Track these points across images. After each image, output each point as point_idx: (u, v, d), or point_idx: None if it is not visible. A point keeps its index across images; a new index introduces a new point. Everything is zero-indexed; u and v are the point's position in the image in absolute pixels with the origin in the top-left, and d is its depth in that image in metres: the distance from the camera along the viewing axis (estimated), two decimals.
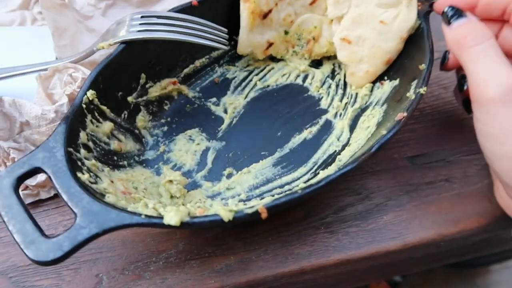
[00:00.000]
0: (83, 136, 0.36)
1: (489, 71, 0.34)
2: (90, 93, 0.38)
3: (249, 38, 0.51)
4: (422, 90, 0.42)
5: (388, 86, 0.49)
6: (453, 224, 0.46)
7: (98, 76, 0.39)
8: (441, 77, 0.59)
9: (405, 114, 0.40)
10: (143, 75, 0.45)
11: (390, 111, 0.46)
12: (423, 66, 0.45)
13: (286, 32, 0.52)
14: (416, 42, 0.48)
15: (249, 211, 0.32)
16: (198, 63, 0.51)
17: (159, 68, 0.47)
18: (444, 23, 0.40)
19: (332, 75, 0.54)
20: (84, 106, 0.37)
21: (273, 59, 0.54)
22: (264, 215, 0.32)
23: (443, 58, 0.46)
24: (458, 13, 0.39)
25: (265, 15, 0.50)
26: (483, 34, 0.36)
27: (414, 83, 0.44)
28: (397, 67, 0.50)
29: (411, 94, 0.43)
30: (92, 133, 0.38)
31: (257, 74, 0.53)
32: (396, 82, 0.48)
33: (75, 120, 0.36)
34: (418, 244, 0.45)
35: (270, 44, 0.52)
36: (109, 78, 0.40)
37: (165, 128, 0.46)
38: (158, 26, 0.43)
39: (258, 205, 0.33)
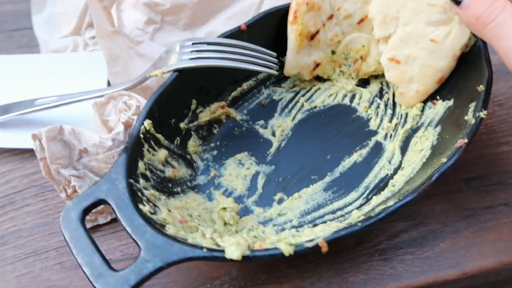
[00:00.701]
0: (141, 166, 0.37)
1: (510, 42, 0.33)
2: (147, 123, 0.39)
3: (296, 60, 0.50)
4: (483, 114, 0.41)
5: (441, 106, 0.48)
6: None
7: (154, 105, 0.40)
8: (496, 93, 0.57)
9: (466, 140, 0.39)
10: (194, 101, 0.46)
11: (446, 135, 0.44)
12: (481, 88, 0.43)
13: (333, 52, 0.52)
14: (472, 60, 0.46)
15: (310, 244, 0.32)
16: (245, 85, 0.51)
17: (209, 93, 0.47)
18: (453, 4, 0.38)
19: (380, 94, 0.53)
20: (141, 136, 0.38)
21: (319, 79, 0.54)
22: (324, 249, 0.32)
23: None
24: None
25: (312, 36, 0.50)
26: (496, 5, 0.34)
27: (472, 105, 0.43)
28: (450, 87, 0.48)
29: (469, 118, 0.42)
30: (149, 162, 0.39)
31: (303, 95, 0.53)
32: (451, 102, 0.47)
33: (133, 150, 0.37)
34: (478, 273, 0.43)
35: (317, 65, 0.52)
36: (164, 106, 0.41)
37: (215, 152, 0.47)
38: (209, 53, 0.43)
39: (318, 238, 0.32)
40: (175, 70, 0.42)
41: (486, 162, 0.50)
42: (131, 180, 0.35)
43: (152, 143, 0.40)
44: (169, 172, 0.41)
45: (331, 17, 0.50)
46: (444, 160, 0.38)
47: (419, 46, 0.47)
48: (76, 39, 0.57)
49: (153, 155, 0.40)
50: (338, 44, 0.52)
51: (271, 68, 0.46)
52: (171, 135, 0.43)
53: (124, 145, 0.38)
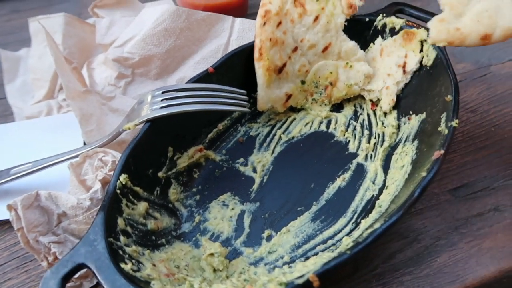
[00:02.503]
0: (120, 222, 0.36)
1: None
2: (123, 178, 0.38)
3: (268, 94, 0.51)
4: (454, 123, 0.41)
5: (415, 120, 0.48)
6: None
7: (129, 158, 0.39)
8: (466, 100, 0.58)
9: (442, 151, 0.39)
10: (170, 148, 0.46)
11: (424, 148, 0.44)
12: (449, 98, 0.44)
13: (303, 82, 0.53)
14: (436, 73, 0.48)
15: (300, 281, 0.31)
16: (221, 126, 0.51)
17: (185, 138, 0.47)
18: None
19: (355, 116, 0.53)
20: (118, 191, 0.37)
21: (293, 110, 0.54)
22: (316, 283, 0.31)
23: None
24: None
25: (280, 70, 0.51)
26: None
27: (443, 116, 0.43)
28: (422, 101, 0.49)
29: (443, 128, 0.42)
30: (129, 217, 0.38)
31: (280, 128, 0.53)
32: (424, 116, 0.47)
33: (111, 207, 0.36)
34: (479, 285, 0.42)
35: (289, 96, 0.52)
36: (139, 158, 0.41)
37: (198, 197, 0.46)
38: (179, 99, 0.43)
39: (308, 273, 0.31)
40: (147, 121, 0.43)
41: (469, 169, 0.50)
42: (111, 239, 0.34)
43: (131, 197, 0.39)
44: (151, 224, 0.40)
45: (295, 49, 0.51)
46: (424, 174, 0.38)
47: None
48: (50, 102, 0.58)
49: (132, 209, 0.39)
50: (307, 73, 0.53)
51: (242, 106, 0.46)
52: (150, 186, 0.42)
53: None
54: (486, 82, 0.60)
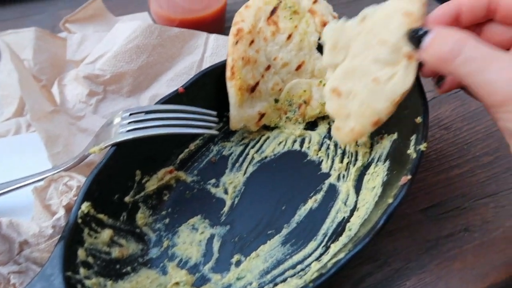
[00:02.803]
0: (81, 253, 0.35)
1: (487, 75, 0.31)
2: (85, 206, 0.37)
3: (240, 114, 0.51)
4: (423, 146, 0.41)
5: (387, 140, 0.48)
6: (481, 279, 0.43)
7: (92, 185, 0.38)
8: (440, 117, 0.58)
9: (409, 177, 0.39)
10: (138, 171, 0.45)
11: (394, 170, 0.44)
12: (419, 119, 0.44)
13: (276, 101, 0.52)
14: (409, 92, 0.47)
15: None
16: (192, 146, 0.50)
17: (154, 160, 0.47)
18: (415, 47, 0.37)
19: (329, 135, 0.53)
20: (79, 221, 0.37)
21: (267, 128, 0.54)
22: None
23: (438, 79, 0.43)
24: (422, 31, 0.36)
25: (252, 89, 0.50)
26: (458, 39, 0.33)
27: (413, 138, 0.43)
28: (394, 120, 0.48)
29: (411, 152, 0.42)
30: (91, 247, 0.37)
31: (253, 147, 0.52)
32: (395, 136, 0.47)
33: (71, 238, 0.35)
34: None
35: (262, 115, 0.52)
36: (104, 184, 0.40)
37: (167, 221, 0.45)
38: (147, 122, 0.43)
39: None
40: (113, 145, 0.42)
41: (441, 188, 0.50)
42: (69, 273, 0.33)
43: (94, 225, 0.38)
44: (116, 252, 0.39)
45: (268, 67, 0.51)
46: (390, 200, 0.38)
47: (362, 82, 0.45)
48: (19, 120, 0.56)
49: (95, 238, 0.38)
50: (280, 92, 0.52)
51: (211, 128, 0.45)
52: (116, 211, 0.42)
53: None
54: (460, 98, 0.61)
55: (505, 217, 0.47)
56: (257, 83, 0.51)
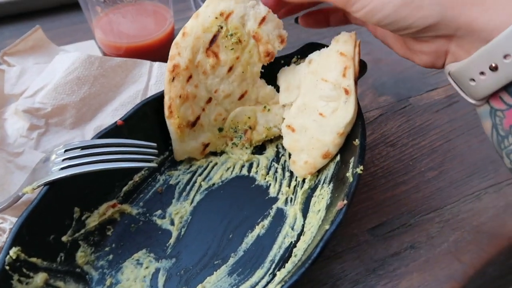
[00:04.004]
0: None
1: None
2: (14, 251, 0.36)
3: (183, 147, 0.50)
4: (359, 169, 0.41)
5: (332, 163, 0.49)
6: None
7: (21, 229, 0.37)
8: (386, 134, 0.60)
9: (345, 202, 0.39)
10: (76, 209, 0.43)
11: (336, 193, 0.44)
12: (357, 142, 0.44)
13: (220, 129, 0.52)
14: None
15: None
16: (137, 177, 0.49)
17: (94, 196, 0.45)
18: None
19: (277, 158, 0.53)
20: (7, 267, 0.35)
21: (215, 153, 0.54)
22: None
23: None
24: None
25: (193, 123, 0.50)
26: None
27: (352, 161, 0.44)
28: None
29: (350, 175, 0.42)
30: None
31: (200, 174, 0.52)
32: (338, 158, 0.48)
33: None
34: None
35: (207, 145, 0.51)
36: (36, 225, 0.38)
37: (111, 257, 0.44)
38: (83, 158, 0.41)
39: None
40: (45, 184, 0.40)
41: (387, 206, 0.51)
42: None
43: (25, 270, 0.37)
44: None
45: (209, 100, 0.50)
46: (327, 226, 0.38)
47: (311, 117, 0.47)
48: None
49: (27, 284, 0.36)
50: (224, 121, 0.52)
51: (151, 161, 0.45)
52: (52, 253, 0.40)
53: None
54: (405, 114, 0.62)
55: (449, 231, 0.48)
56: (198, 117, 0.50)
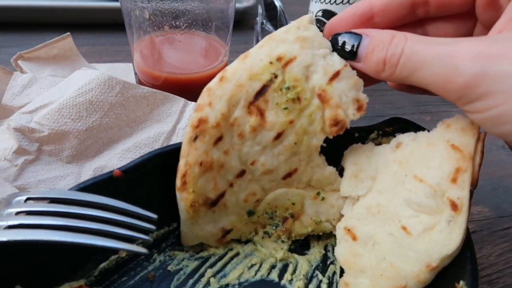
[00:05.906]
0: None
1: (437, 68, 0.26)
2: None
3: (194, 231, 0.36)
4: None
5: None
6: None
7: None
8: (482, 263, 0.42)
9: None
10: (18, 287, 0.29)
11: None
12: (461, 285, 0.28)
13: (251, 213, 0.37)
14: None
15: None
16: (124, 253, 0.35)
17: (52, 270, 0.31)
18: (347, 59, 0.32)
19: (324, 265, 0.37)
20: None
21: (239, 240, 0.39)
22: None
23: None
24: (354, 40, 0.31)
25: (213, 203, 0.35)
26: (397, 40, 0.28)
27: None
28: None
29: None
30: None
31: (212, 266, 0.37)
32: None
33: None
34: None
35: (228, 231, 0.37)
36: None
37: None
38: (44, 218, 0.28)
39: None
40: None
41: None
42: None
43: None
44: None
45: (242, 173, 0.35)
46: None
47: (387, 229, 0.32)
48: None
49: None
50: (257, 203, 0.37)
51: (136, 242, 0.30)
52: None
53: None
54: (510, 239, 0.44)
55: None
56: (222, 194, 0.35)
